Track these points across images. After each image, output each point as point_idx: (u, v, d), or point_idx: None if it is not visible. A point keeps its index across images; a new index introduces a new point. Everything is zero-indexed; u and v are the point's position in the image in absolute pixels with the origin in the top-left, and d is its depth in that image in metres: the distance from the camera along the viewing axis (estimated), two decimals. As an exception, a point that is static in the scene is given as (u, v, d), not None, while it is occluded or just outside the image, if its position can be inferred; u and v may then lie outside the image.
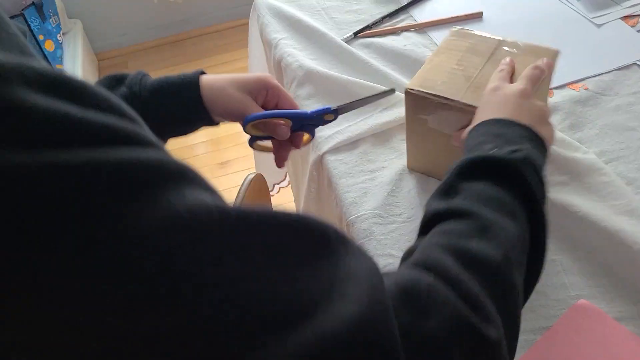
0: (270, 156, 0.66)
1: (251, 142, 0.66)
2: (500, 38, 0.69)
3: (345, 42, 0.94)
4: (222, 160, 2.02)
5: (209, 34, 2.60)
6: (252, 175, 0.70)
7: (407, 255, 0.41)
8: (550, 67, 0.63)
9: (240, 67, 2.39)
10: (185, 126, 0.64)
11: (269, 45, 1.00)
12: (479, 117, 0.55)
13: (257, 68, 1.13)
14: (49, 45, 2.00)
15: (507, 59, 0.64)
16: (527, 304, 0.58)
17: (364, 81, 0.84)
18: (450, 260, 0.37)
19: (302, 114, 0.62)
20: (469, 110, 0.60)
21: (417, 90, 0.64)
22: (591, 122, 0.77)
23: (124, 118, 0.28)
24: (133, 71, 0.62)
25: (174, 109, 0.61)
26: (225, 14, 2.59)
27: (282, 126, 0.61)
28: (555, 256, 0.62)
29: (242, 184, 0.70)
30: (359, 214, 0.69)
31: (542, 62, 0.62)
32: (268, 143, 0.65)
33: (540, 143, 0.51)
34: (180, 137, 0.65)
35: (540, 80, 0.60)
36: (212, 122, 0.64)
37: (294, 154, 0.97)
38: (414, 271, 0.36)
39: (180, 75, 0.61)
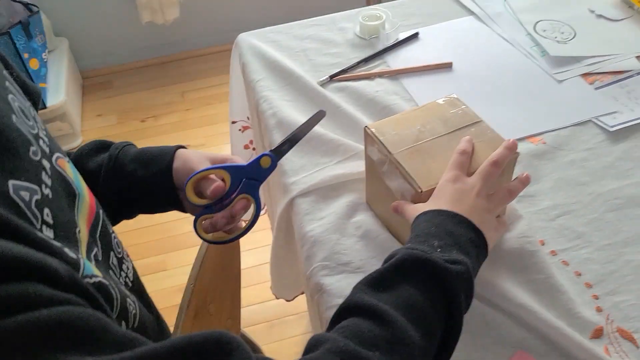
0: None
1: (195, 222, 0.64)
2: (479, 120, 0.70)
3: (321, 85, 0.98)
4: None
5: (194, 58, 2.63)
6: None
7: (314, 344, 0.43)
8: (512, 149, 0.64)
9: (224, 92, 2.42)
10: (153, 197, 0.65)
11: (248, 85, 1.03)
12: (435, 203, 0.59)
13: (236, 104, 1.16)
14: (33, 64, 2.02)
15: (467, 139, 0.65)
16: (464, 357, 0.61)
17: (329, 133, 0.87)
18: None
19: (238, 165, 0.62)
20: (397, 172, 0.64)
21: (371, 131, 0.69)
22: (547, 176, 0.81)
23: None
24: (120, 142, 0.66)
25: (146, 177, 0.63)
26: (211, 39, 2.63)
27: (217, 184, 0.60)
28: (494, 309, 0.65)
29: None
30: (311, 267, 0.71)
31: (503, 149, 0.63)
32: (212, 221, 0.63)
33: (483, 249, 0.56)
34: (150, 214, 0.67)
35: (496, 176, 0.62)
36: (179, 204, 0.66)
37: (269, 179, 1.01)
38: None
39: (161, 147, 0.65)
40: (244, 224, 0.64)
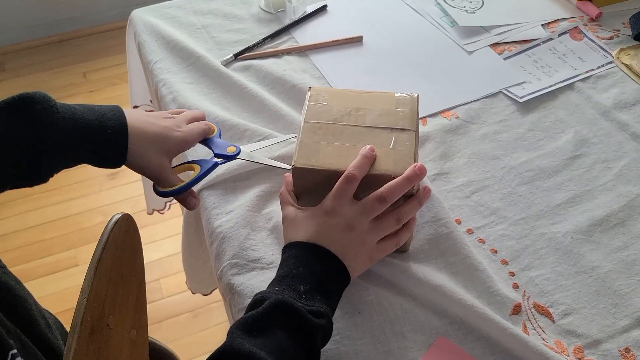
0: None
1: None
2: (413, 129, 0.63)
3: (225, 64, 0.91)
4: (111, 172, 1.92)
5: (95, 35, 2.45)
6: (118, 216, 0.65)
7: None
8: (412, 181, 0.58)
9: (112, 96, 2.27)
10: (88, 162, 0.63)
11: (145, 67, 0.95)
12: (307, 228, 0.57)
13: (137, 86, 1.07)
14: None
15: (365, 153, 0.59)
16: (384, 348, 0.60)
17: (234, 117, 0.82)
18: None
19: (209, 161, 0.67)
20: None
21: (310, 93, 0.68)
22: (460, 151, 0.80)
23: None
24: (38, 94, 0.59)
25: (91, 156, 0.62)
26: (115, 13, 2.46)
27: (191, 199, 0.68)
28: (411, 297, 0.64)
29: (107, 226, 0.65)
30: (221, 265, 0.67)
31: (400, 181, 0.58)
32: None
33: (346, 280, 0.57)
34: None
35: (381, 210, 0.58)
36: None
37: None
38: None
39: (101, 122, 0.60)
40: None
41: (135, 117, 0.63)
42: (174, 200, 1.28)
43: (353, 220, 0.57)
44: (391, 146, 0.61)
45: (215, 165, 0.67)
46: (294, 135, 0.67)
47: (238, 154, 0.68)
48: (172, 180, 0.65)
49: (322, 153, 0.60)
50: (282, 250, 0.58)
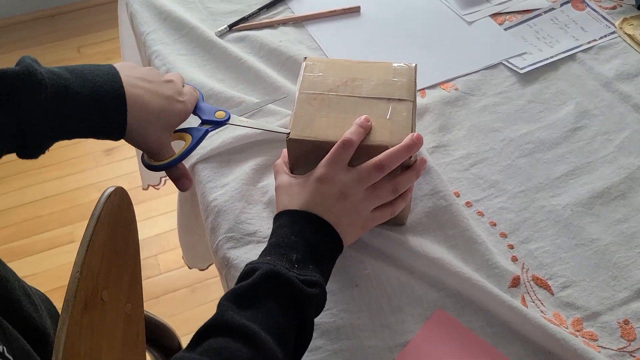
0: None
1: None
2: (410, 100, 0.61)
3: (219, 36, 0.89)
4: (107, 147, 1.90)
5: (89, 8, 2.40)
6: (111, 190, 0.64)
7: None
8: (410, 150, 0.57)
9: (112, 48, 2.24)
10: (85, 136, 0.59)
11: (138, 39, 0.93)
12: (299, 197, 0.56)
13: (130, 59, 1.05)
14: None
15: (361, 122, 0.57)
16: (380, 322, 0.59)
17: (228, 89, 0.80)
18: None
19: (199, 129, 0.63)
20: None
21: (305, 63, 0.66)
22: (459, 124, 0.78)
23: None
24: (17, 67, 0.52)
25: (86, 133, 0.57)
26: (107, -14, 2.41)
27: (185, 180, 0.64)
28: (408, 270, 0.63)
29: (99, 200, 0.64)
30: (217, 239, 0.66)
31: (398, 150, 0.56)
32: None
33: (337, 250, 0.56)
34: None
35: (378, 179, 0.57)
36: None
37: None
38: None
39: (96, 97, 0.54)
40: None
41: (134, 84, 0.57)
42: (170, 175, 1.27)
43: (347, 188, 0.55)
44: (388, 117, 0.60)
45: (207, 132, 0.63)
46: (284, 96, 0.64)
47: (228, 119, 0.64)
48: (167, 155, 0.62)
49: (317, 124, 0.59)
50: (274, 218, 0.57)
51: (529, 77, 0.84)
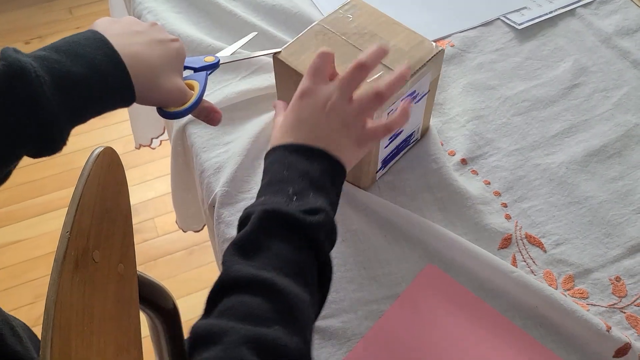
0: (147, 107, 0.59)
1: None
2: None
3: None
4: (100, 110, 1.88)
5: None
6: (99, 150, 0.63)
7: (204, 338, 0.38)
8: (402, 80, 0.52)
9: (105, 9, 2.19)
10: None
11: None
12: (285, 130, 0.52)
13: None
14: None
15: (380, 47, 0.51)
16: (369, 274, 0.59)
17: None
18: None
19: (199, 75, 0.60)
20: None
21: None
22: (455, 82, 0.77)
23: None
24: None
25: (100, 105, 0.52)
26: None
27: (214, 114, 0.59)
28: (396, 228, 0.63)
29: (88, 160, 0.63)
30: (211, 196, 0.65)
31: (395, 78, 0.51)
32: None
33: (340, 174, 0.51)
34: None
35: (375, 110, 0.53)
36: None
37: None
38: None
39: (94, 69, 0.49)
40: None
41: (125, 43, 0.52)
42: (164, 136, 1.26)
43: (330, 97, 0.51)
44: (368, 79, 0.55)
45: (207, 75, 0.61)
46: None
47: (219, 60, 0.62)
48: (189, 95, 0.57)
49: (307, 56, 0.58)
50: (264, 157, 0.52)
51: (527, 33, 0.82)
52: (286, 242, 0.44)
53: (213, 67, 0.62)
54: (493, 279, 0.58)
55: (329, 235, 0.47)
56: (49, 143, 0.50)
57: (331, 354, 0.55)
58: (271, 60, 0.70)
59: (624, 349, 0.53)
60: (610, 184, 0.66)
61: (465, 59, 0.79)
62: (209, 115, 0.60)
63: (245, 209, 0.47)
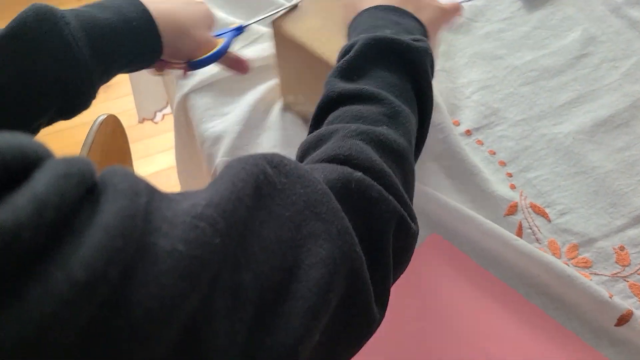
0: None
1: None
2: None
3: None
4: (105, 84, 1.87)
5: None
6: (103, 117, 0.63)
7: (317, 142, 0.38)
8: None
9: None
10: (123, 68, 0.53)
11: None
12: (363, 2, 0.51)
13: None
14: None
15: None
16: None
17: (229, 16, 0.77)
18: (370, 150, 0.36)
19: (228, 31, 0.61)
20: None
21: None
22: (462, 51, 0.76)
23: None
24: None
25: (127, 57, 0.50)
26: None
27: (241, 62, 0.60)
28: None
29: (92, 127, 0.63)
30: (213, 166, 0.65)
31: None
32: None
33: (426, 36, 0.51)
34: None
35: None
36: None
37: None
38: (340, 167, 0.34)
39: (116, 11, 0.48)
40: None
41: (154, 1, 0.52)
42: (167, 110, 1.25)
43: None
44: None
45: (232, 34, 0.61)
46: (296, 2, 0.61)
47: (242, 25, 0.62)
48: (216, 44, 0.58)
49: (305, 24, 0.58)
50: (352, 21, 0.51)
51: (535, 2, 0.80)
52: (389, 69, 0.44)
53: (238, 30, 0.62)
54: (496, 247, 0.58)
55: (432, 66, 0.47)
56: (79, 93, 0.48)
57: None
58: (269, 29, 0.69)
59: (626, 316, 0.53)
60: (617, 154, 0.66)
61: (472, 28, 0.78)
62: (237, 64, 0.60)
63: (343, 47, 0.47)
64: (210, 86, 0.72)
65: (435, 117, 0.68)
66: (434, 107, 0.67)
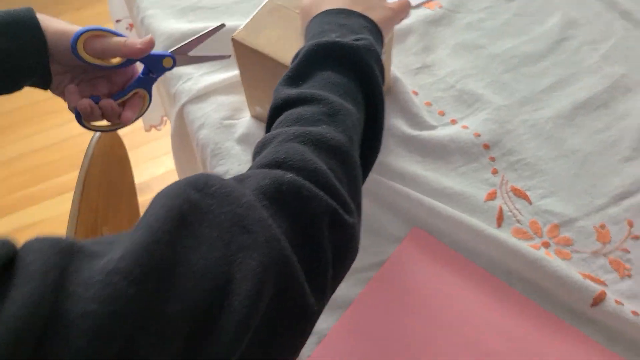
0: (154, 88, 0.61)
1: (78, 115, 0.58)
2: None
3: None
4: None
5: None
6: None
7: (261, 147, 0.41)
8: None
9: (102, 11, 2.19)
10: (12, 76, 0.54)
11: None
12: (316, 8, 0.55)
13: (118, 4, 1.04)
14: None
15: None
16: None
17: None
18: (306, 151, 0.39)
19: (153, 54, 0.58)
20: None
21: None
22: (444, 43, 0.78)
23: None
24: None
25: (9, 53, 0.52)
26: None
27: (149, 37, 0.55)
28: (386, 188, 0.64)
29: (91, 141, 0.66)
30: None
31: None
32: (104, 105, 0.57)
33: (377, 32, 0.53)
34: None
35: None
36: (45, 79, 0.56)
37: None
38: (273, 172, 0.37)
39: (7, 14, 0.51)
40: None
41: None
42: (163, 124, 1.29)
43: None
44: None
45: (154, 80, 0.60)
46: (222, 24, 0.61)
47: (173, 65, 0.60)
48: None
49: (264, 35, 0.60)
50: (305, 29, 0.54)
51: (515, -11, 0.82)
52: (334, 70, 0.46)
53: (167, 69, 0.60)
54: (472, 238, 0.60)
55: (377, 62, 0.48)
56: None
57: (322, 320, 0.56)
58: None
59: (599, 297, 0.55)
60: (596, 135, 0.68)
61: (453, 20, 0.80)
62: (125, 47, 0.56)
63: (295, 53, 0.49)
64: (206, 95, 0.75)
65: (413, 112, 0.70)
66: (414, 104, 0.69)
